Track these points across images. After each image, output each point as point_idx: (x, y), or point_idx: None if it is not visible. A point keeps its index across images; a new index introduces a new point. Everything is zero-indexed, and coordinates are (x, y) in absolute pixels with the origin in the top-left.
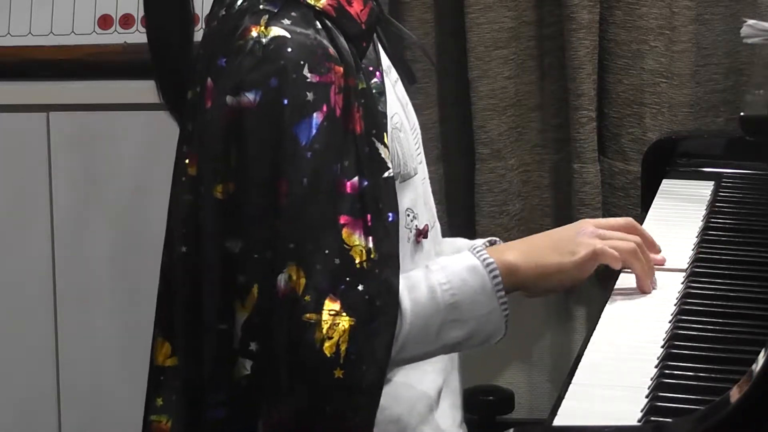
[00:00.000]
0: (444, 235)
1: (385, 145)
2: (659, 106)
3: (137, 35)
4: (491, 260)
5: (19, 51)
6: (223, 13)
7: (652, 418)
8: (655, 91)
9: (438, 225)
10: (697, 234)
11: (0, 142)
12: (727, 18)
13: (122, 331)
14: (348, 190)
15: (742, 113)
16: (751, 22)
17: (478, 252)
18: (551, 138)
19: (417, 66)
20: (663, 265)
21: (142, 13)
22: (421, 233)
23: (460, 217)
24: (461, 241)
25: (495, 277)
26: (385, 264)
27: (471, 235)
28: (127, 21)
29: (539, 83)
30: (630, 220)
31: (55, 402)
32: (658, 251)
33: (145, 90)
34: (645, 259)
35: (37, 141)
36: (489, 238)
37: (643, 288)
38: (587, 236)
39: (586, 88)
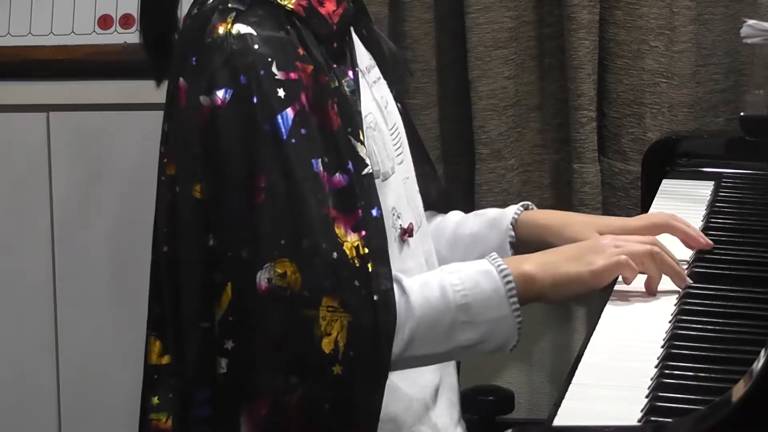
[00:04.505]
0: (444, 235)
1: (362, 143)
2: (659, 106)
3: (137, 35)
4: (506, 267)
5: (19, 51)
6: (195, 11)
7: (652, 418)
8: (655, 91)
9: (425, 224)
10: None
11: (0, 142)
12: (727, 18)
13: (122, 330)
14: (332, 185)
15: (742, 113)
16: (751, 22)
17: (493, 259)
18: (551, 138)
19: (416, 66)
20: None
21: None
22: (406, 232)
23: None
24: (492, 212)
25: (508, 282)
26: (377, 259)
27: None
28: (127, 21)
29: (539, 83)
30: (653, 238)
31: (55, 402)
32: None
33: (145, 90)
34: (660, 262)
35: (37, 141)
36: (522, 203)
37: (650, 289)
38: (606, 246)
39: (586, 88)
